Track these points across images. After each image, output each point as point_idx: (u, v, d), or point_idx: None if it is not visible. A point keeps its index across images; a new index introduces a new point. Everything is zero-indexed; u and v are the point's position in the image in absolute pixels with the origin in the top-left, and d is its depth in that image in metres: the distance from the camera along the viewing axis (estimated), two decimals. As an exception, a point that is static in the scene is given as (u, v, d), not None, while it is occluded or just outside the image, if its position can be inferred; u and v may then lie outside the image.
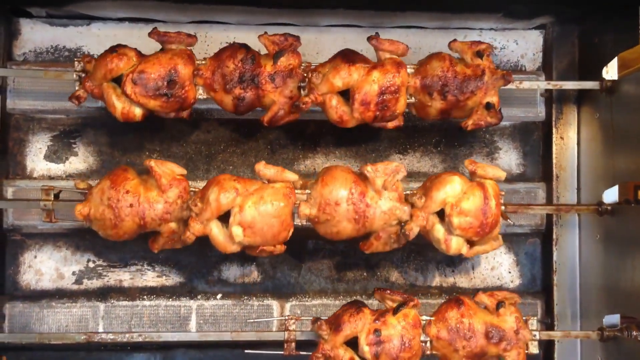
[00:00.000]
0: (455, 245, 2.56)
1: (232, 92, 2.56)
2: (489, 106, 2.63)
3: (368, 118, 2.61)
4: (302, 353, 2.57)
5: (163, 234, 2.53)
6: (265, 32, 2.59)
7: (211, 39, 2.93)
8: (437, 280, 3.03)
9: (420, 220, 2.54)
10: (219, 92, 2.57)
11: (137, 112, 2.57)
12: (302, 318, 2.60)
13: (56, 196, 2.57)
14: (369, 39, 2.63)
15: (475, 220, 2.50)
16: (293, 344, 2.56)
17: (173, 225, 2.52)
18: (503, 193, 2.63)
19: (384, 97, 2.57)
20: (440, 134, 3.04)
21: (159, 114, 2.61)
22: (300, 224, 2.62)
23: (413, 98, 2.66)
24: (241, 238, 2.44)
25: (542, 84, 2.90)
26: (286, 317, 2.59)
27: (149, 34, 2.57)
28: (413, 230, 2.53)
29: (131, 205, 2.45)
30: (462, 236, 2.54)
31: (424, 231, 2.58)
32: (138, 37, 2.87)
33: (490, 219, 2.53)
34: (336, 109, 2.61)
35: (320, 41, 2.97)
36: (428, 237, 2.60)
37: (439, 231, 2.55)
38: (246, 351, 2.64)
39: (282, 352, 2.56)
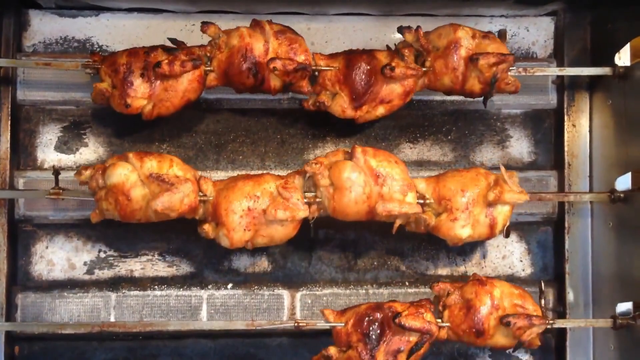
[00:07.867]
0: None
1: None
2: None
3: None
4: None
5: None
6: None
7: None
8: (447, 269, 3.02)
9: None
10: None
11: None
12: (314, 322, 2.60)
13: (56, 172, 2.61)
14: None
15: None
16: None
17: None
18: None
19: None
20: (450, 122, 3.02)
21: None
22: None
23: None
24: None
25: (553, 71, 2.86)
26: (295, 320, 2.60)
27: None
28: None
29: None
30: None
31: None
32: (147, 27, 2.88)
33: None
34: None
35: (329, 30, 2.95)
36: None
37: None
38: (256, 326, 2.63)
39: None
